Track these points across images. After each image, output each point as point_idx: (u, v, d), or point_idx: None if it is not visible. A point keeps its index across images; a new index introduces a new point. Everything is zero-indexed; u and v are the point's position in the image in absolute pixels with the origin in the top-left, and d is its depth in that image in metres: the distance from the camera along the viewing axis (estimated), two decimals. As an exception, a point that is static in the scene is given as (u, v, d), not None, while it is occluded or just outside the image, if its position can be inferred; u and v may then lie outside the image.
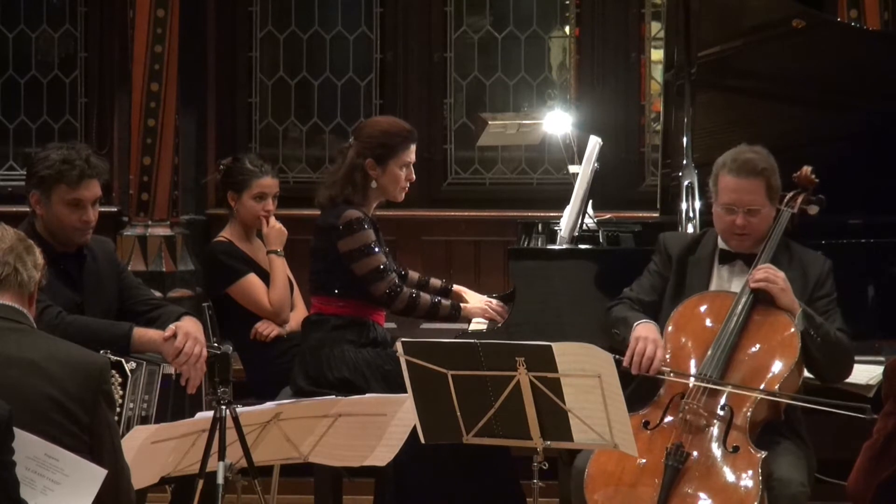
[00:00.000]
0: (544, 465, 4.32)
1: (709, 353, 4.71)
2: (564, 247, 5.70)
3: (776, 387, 4.64)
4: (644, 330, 4.78)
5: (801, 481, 4.60)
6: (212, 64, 8.55)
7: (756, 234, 4.90)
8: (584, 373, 4.15)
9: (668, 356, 4.76)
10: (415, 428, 4.39)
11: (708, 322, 4.81)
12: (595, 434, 4.22)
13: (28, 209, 4.92)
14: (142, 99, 8.08)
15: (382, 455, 4.57)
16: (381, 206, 5.55)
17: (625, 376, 4.37)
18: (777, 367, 4.70)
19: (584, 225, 5.87)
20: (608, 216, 6.36)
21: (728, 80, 5.94)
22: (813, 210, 5.03)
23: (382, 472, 5.03)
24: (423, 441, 4.40)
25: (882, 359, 5.86)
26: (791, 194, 5.02)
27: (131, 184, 8.15)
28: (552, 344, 4.17)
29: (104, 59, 8.51)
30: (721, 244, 4.98)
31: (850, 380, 5.73)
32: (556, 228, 5.96)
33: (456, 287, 5.75)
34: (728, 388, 4.63)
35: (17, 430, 3.56)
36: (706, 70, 5.76)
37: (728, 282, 4.94)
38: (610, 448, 4.26)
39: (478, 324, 5.58)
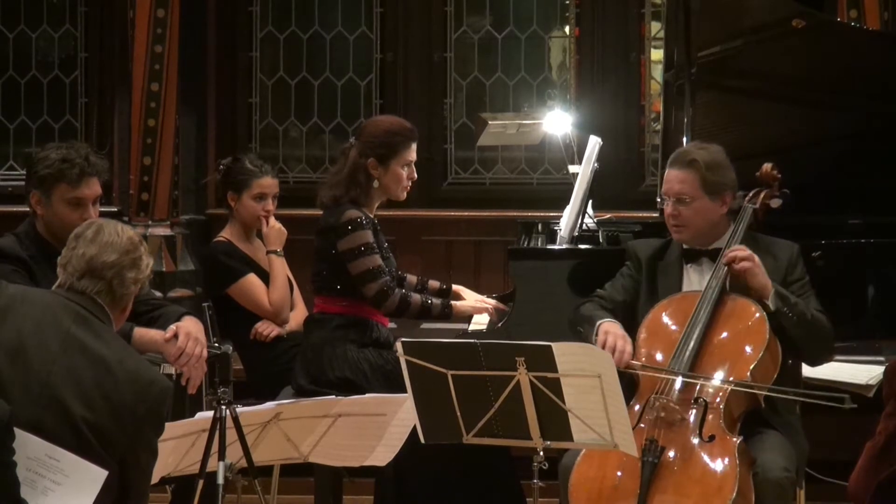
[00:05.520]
0: (544, 465, 4.32)
1: (677, 347, 4.71)
2: (564, 247, 5.70)
3: (747, 374, 4.63)
4: (610, 326, 4.80)
5: (785, 466, 4.57)
6: (212, 64, 8.56)
7: (690, 227, 4.91)
8: (583, 373, 4.15)
9: (643, 358, 4.75)
10: (415, 428, 4.39)
11: (678, 321, 4.80)
12: (595, 434, 4.22)
13: (28, 209, 4.92)
14: (142, 99, 8.07)
15: (382, 455, 4.57)
16: (381, 206, 5.56)
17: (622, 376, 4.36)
18: (746, 353, 4.68)
19: (584, 225, 5.87)
20: (608, 216, 6.36)
21: (728, 80, 5.93)
22: (776, 203, 5.03)
23: (382, 472, 5.03)
24: (423, 441, 4.40)
25: (882, 359, 5.88)
26: (753, 191, 5.03)
27: (131, 184, 8.14)
28: (552, 344, 4.17)
29: (104, 59, 8.51)
30: (684, 244, 4.99)
31: (851, 379, 5.74)
32: (556, 228, 5.96)
33: (455, 287, 5.76)
34: (700, 381, 4.62)
35: (17, 431, 3.57)
36: (706, 70, 5.76)
37: (698, 279, 4.94)
38: (610, 448, 4.25)
39: (478, 323, 5.58)
